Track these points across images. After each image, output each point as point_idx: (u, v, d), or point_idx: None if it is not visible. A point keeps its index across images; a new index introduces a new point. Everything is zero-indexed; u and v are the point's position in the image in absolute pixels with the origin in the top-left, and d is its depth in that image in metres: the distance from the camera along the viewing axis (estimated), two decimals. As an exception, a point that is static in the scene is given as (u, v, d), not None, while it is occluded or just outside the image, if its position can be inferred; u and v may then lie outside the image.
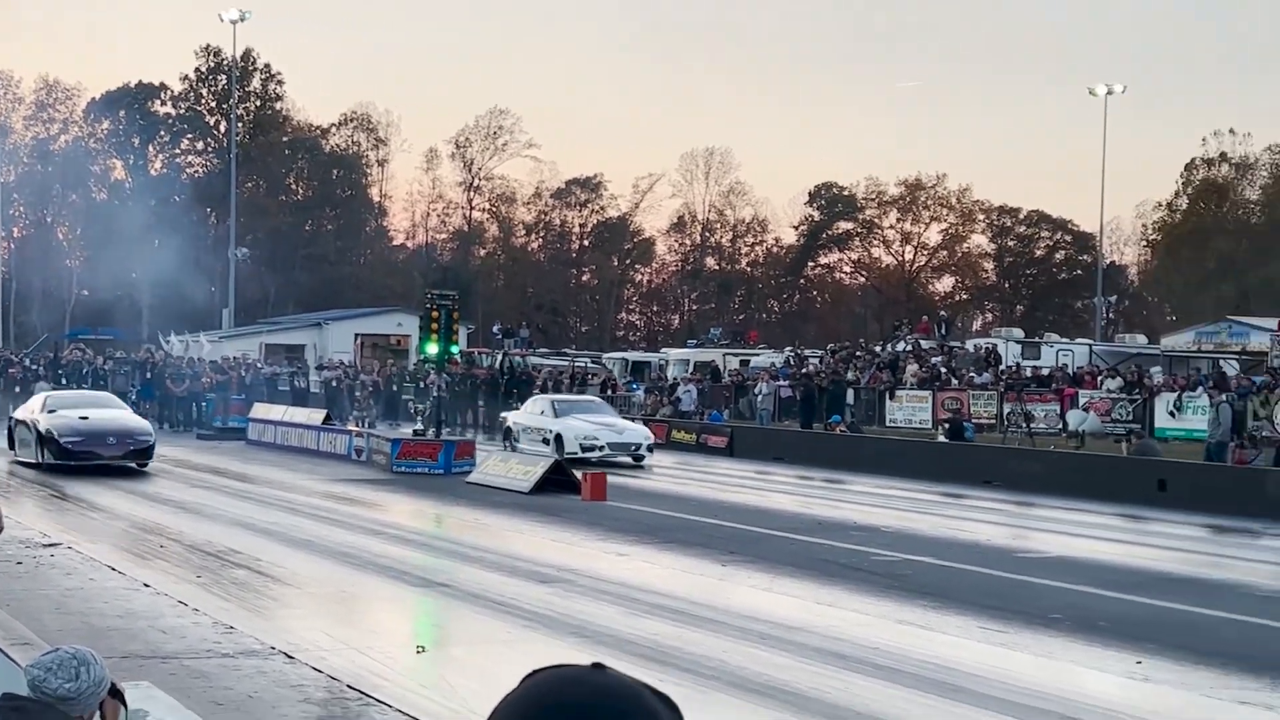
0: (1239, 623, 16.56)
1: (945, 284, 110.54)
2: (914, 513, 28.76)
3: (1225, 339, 64.98)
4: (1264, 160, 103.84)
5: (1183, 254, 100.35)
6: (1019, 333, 70.20)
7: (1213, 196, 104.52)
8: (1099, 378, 46.63)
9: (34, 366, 60.68)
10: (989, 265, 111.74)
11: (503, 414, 45.25)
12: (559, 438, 37.70)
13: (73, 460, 30.94)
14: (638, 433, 39.29)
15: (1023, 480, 34.24)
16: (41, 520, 23.43)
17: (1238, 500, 29.85)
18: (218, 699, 10.60)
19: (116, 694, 5.76)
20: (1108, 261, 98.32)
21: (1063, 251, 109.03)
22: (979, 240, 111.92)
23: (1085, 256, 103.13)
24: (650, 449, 38.53)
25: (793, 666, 13.40)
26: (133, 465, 32.03)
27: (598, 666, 2.21)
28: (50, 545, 20.29)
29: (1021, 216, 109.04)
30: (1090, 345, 65.70)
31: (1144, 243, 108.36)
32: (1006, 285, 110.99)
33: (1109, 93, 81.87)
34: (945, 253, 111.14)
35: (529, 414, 41.34)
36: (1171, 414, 39.82)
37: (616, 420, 40.63)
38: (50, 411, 32.71)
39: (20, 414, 34.79)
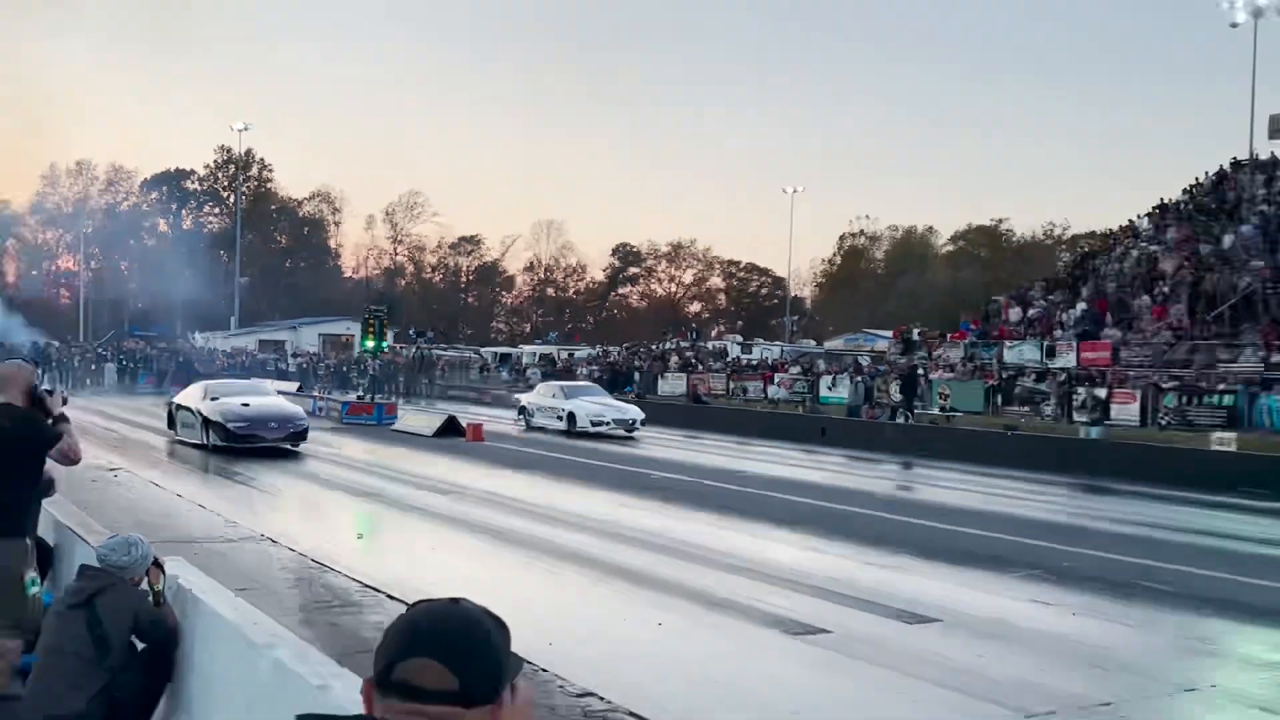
0: (869, 515, 17.05)
1: (695, 307, 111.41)
2: (673, 449, 29.01)
3: (862, 343, 66.62)
4: (885, 235, 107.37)
5: (838, 292, 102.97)
6: (739, 338, 71.31)
7: (856, 257, 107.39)
8: (787, 366, 47.46)
9: (104, 353, 58.75)
10: (722, 296, 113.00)
11: (516, 395, 39.20)
12: (571, 415, 32.39)
13: (238, 443, 23.26)
14: (632, 411, 33.56)
15: (740, 429, 34.78)
16: (108, 453, 22.58)
17: (868, 442, 30.64)
18: (227, 569, 10.35)
19: (158, 565, 5.67)
20: (793, 295, 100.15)
21: (766, 289, 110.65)
22: (716, 280, 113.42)
23: (780, 292, 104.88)
24: (642, 423, 33.08)
25: (604, 546, 13.53)
26: (288, 446, 24.49)
27: (454, 600, 2.23)
28: (114, 469, 19.61)
29: (742, 266, 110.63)
30: (782, 346, 66.97)
31: (815, 284, 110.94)
32: (733, 308, 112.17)
33: (795, 191, 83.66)
34: (695, 288, 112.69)
35: (542, 396, 35.22)
36: (829, 388, 40.60)
37: (613, 401, 34.66)
38: (213, 399, 24.70)
39: (181, 400, 26.62)
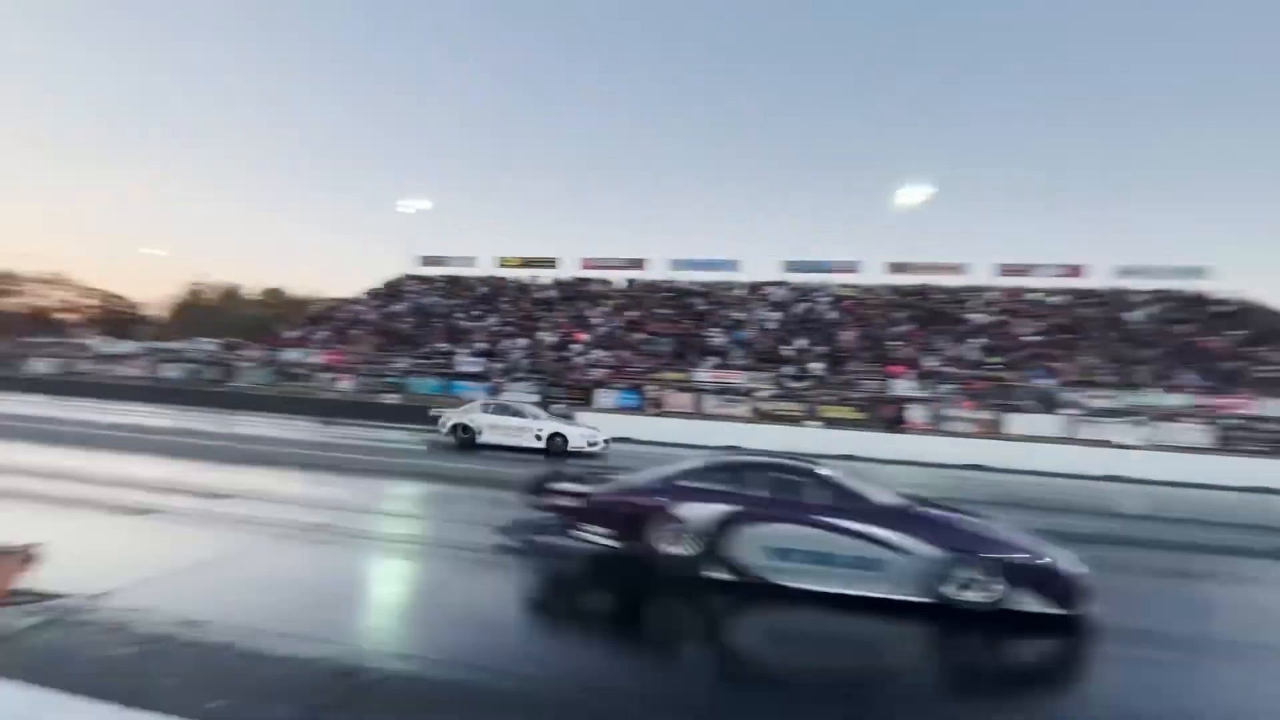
0: (201, 443, 13.80)
1: (71, 318, 77.61)
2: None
3: (197, 345, 52.73)
4: (219, 284, 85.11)
5: (184, 313, 78.99)
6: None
7: (196, 295, 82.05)
8: (139, 356, 36.35)
9: None
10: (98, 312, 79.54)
11: (435, 410, 16.77)
12: (564, 437, 14.67)
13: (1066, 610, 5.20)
14: (601, 433, 15.26)
15: (117, 394, 25.50)
16: None
17: (203, 401, 24.12)
18: None
19: None
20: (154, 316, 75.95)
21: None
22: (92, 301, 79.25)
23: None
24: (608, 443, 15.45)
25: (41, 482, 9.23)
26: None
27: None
28: None
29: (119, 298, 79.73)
30: (140, 344, 49.54)
31: (171, 309, 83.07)
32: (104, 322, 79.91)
33: (155, 254, 63.69)
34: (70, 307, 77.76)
35: (494, 415, 15.05)
36: (170, 371, 32.25)
37: (577, 425, 16.17)
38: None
39: (702, 512, 5.86)
